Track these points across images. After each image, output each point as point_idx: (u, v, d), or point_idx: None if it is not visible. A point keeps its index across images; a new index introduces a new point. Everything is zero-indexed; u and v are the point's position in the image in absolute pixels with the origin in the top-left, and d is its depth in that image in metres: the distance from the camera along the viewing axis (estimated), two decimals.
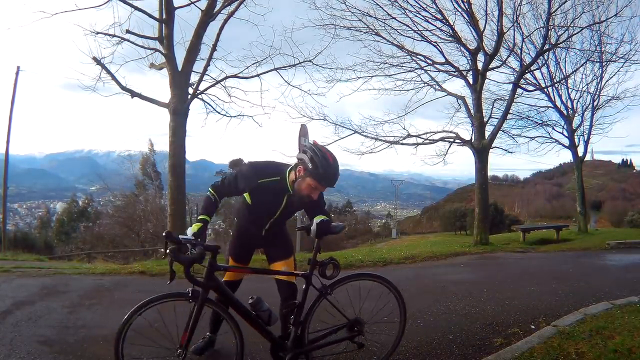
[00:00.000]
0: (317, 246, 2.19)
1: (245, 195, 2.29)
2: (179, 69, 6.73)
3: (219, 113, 7.75)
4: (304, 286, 2.17)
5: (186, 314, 1.98)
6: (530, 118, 13.51)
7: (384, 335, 2.55)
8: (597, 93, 12.99)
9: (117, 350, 1.88)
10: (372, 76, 10.11)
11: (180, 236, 1.90)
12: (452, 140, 10.30)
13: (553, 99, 13.14)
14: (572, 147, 13.55)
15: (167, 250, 1.86)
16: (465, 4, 8.96)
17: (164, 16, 6.57)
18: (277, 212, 2.28)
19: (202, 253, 1.86)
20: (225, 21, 6.95)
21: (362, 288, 2.38)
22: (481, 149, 9.63)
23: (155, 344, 2.03)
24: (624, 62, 11.68)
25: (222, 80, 7.37)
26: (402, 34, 9.45)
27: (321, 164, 1.99)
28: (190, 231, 2.01)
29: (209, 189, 2.22)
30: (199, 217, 2.14)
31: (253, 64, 7.42)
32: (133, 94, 6.82)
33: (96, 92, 6.92)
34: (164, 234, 1.90)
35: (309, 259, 2.18)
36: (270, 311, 2.16)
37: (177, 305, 1.97)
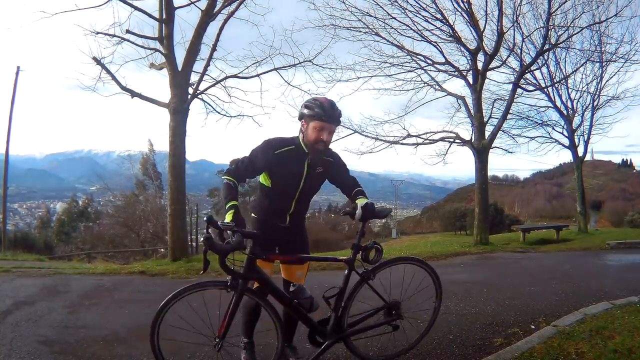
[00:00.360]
0: (361, 231, 2.17)
1: (263, 179, 2.21)
2: (179, 69, 6.72)
3: (219, 113, 7.74)
4: (345, 271, 2.18)
5: (215, 303, 1.98)
6: (530, 118, 13.53)
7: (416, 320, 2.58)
8: (597, 93, 13.00)
9: (154, 343, 1.85)
10: (372, 76, 10.12)
11: (219, 222, 1.82)
12: (452, 140, 10.30)
13: (553, 99, 13.14)
14: (572, 147, 13.55)
15: (202, 239, 1.78)
16: (465, 4, 8.96)
17: (164, 16, 6.56)
18: (300, 184, 2.16)
19: (240, 241, 1.77)
20: (225, 21, 6.95)
21: (399, 272, 2.41)
22: (481, 149, 9.63)
23: (194, 331, 1.99)
24: (624, 62, 11.70)
25: (222, 80, 7.36)
26: (402, 34, 9.46)
27: (315, 104, 2.04)
28: (227, 219, 1.90)
29: (224, 177, 2.09)
30: (228, 205, 1.97)
31: (253, 64, 7.42)
32: (133, 94, 6.82)
33: (96, 92, 6.92)
34: (205, 219, 1.82)
35: (352, 244, 2.16)
36: (312, 298, 2.15)
37: (205, 294, 1.93)
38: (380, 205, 2.20)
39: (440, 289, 2.48)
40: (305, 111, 2.06)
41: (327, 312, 2.26)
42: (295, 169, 2.14)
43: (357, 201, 2.16)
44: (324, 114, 2.02)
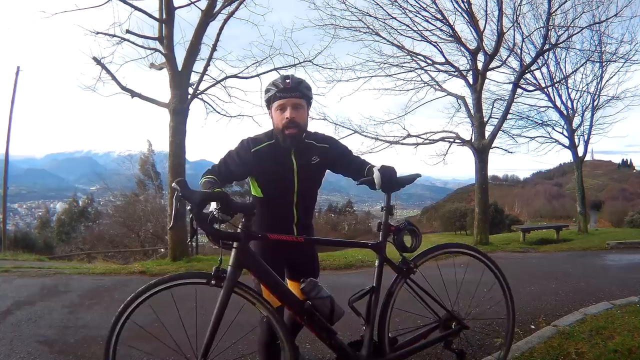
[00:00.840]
0: (387, 204, 1.62)
1: (254, 190, 1.81)
2: (179, 69, 6.72)
3: (219, 113, 7.76)
4: (376, 262, 1.60)
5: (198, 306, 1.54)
6: (530, 118, 13.53)
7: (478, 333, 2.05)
8: (597, 93, 13.00)
9: (108, 349, 1.40)
10: (372, 76, 10.15)
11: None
12: (452, 140, 10.31)
13: (553, 99, 13.15)
14: (572, 147, 13.55)
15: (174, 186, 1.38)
16: (465, 4, 8.97)
17: (164, 16, 6.56)
18: (294, 184, 1.74)
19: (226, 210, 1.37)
20: (225, 21, 6.95)
21: (446, 266, 1.95)
22: (481, 149, 9.63)
23: (164, 346, 1.56)
24: (624, 62, 11.71)
25: (222, 80, 7.37)
26: (402, 34, 9.48)
27: (268, 85, 1.74)
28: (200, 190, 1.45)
29: (204, 176, 1.69)
30: (203, 179, 1.66)
31: (253, 64, 7.44)
32: (133, 94, 6.82)
33: (96, 92, 6.94)
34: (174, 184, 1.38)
35: (378, 223, 1.64)
36: (332, 299, 1.55)
37: (180, 292, 1.50)
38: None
39: (508, 286, 1.97)
40: (264, 97, 1.76)
41: (354, 327, 1.71)
42: (283, 166, 1.74)
43: (369, 168, 1.74)
44: (276, 88, 1.69)
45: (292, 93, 1.68)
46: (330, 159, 1.86)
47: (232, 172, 1.75)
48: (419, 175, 1.75)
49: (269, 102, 1.75)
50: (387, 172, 1.63)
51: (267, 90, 1.74)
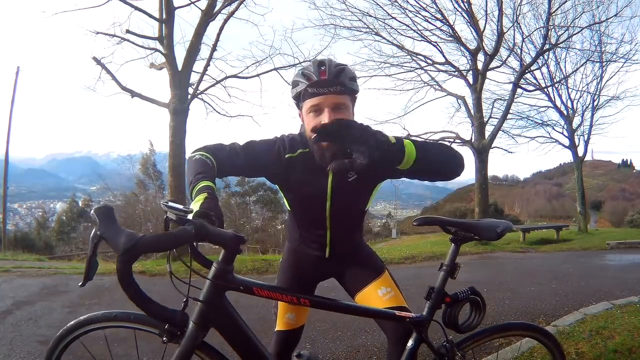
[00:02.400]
0: (450, 261, 1.20)
1: (283, 196, 1.41)
2: (179, 69, 6.73)
3: (219, 113, 7.77)
4: (410, 343, 1.17)
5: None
6: (531, 118, 13.56)
7: None
8: (597, 93, 13.03)
9: None
10: (372, 76, 10.14)
11: (174, 205, 0.91)
12: (452, 140, 10.30)
13: (553, 99, 13.17)
14: (572, 147, 13.57)
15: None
16: (465, 4, 8.97)
17: (163, 16, 6.57)
18: (326, 206, 1.31)
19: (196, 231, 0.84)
20: (225, 21, 6.96)
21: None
22: (481, 149, 9.64)
23: None
24: (624, 62, 11.73)
25: (222, 80, 7.38)
26: (402, 34, 9.48)
27: (299, 74, 1.22)
28: (193, 207, 0.93)
29: (197, 151, 1.19)
30: (199, 184, 1.04)
31: (253, 64, 7.45)
32: (133, 94, 6.83)
33: (96, 92, 6.95)
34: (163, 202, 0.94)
35: (428, 289, 1.19)
36: None
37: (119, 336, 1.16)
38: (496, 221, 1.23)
39: None
40: (291, 92, 1.26)
41: None
42: (315, 183, 1.29)
43: None
44: (307, 81, 1.18)
45: (330, 87, 1.17)
46: (374, 174, 1.31)
47: (239, 168, 1.25)
48: (510, 226, 1.27)
49: (298, 100, 1.24)
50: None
51: (294, 83, 1.23)
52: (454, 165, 1.15)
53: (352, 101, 1.25)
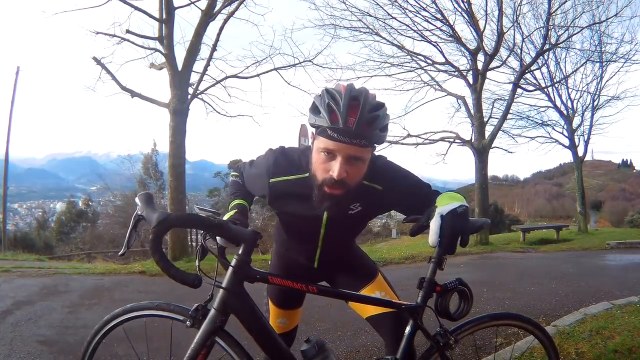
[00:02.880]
0: (438, 255, 1.13)
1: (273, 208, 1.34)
2: (179, 69, 6.73)
3: (219, 113, 7.77)
4: (407, 329, 1.20)
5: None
6: (531, 118, 13.56)
7: None
8: (597, 93, 13.02)
9: None
10: (372, 76, 10.14)
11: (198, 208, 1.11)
12: (452, 140, 10.31)
13: (553, 99, 13.16)
14: (572, 147, 13.57)
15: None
16: (465, 4, 8.98)
17: (163, 16, 6.57)
18: (320, 233, 1.25)
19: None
20: (225, 21, 6.96)
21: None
22: (481, 149, 9.63)
23: None
24: (624, 62, 11.73)
25: (222, 80, 7.38)
26: (402, 34, 9.48)
27: (321, 101, 1.02)
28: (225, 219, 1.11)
29: (232, 174, 1.38)
30: (233, 203, 1.24)
31: (253, 64, 7.46)
32: (133, 94, 6.83)
33: (96, 92, 6.95)
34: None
35: (420, 280, 1.20)
36: None
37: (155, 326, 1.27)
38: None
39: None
40: (310, 117, 1.06)
41: None
42: (308, 212, 1.18)
43: (436, 207, 1.07)
44: (329, 122, 0.99)
45: (353, 139, 0.99)
46: (382, 206, 1.24)
47: (247, 188, 1.32)
48: (488, 222, 1.25)
49: (315, 130, 1.07)
50: (455, 226, 1.01)
51: (315, 109, 1.04)
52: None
53: (372, 150, 1.09)
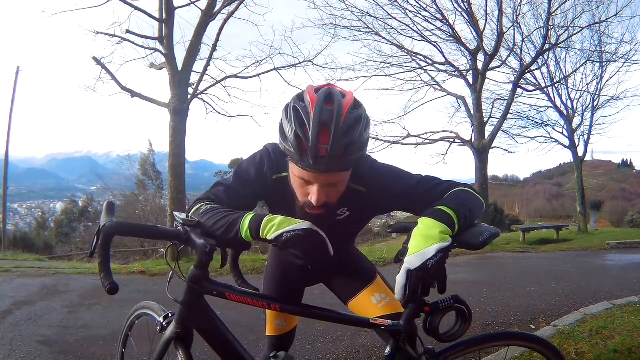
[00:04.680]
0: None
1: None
2: (179, 69, 6.73)
3: (219, 113, 7.77)
4: (387, 350, 1.09)
5: None
6: (531, 118, 13.57)
7: None
8: (597, 93, 13.03)
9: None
10: (372, 76, 10.18)
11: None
12: (452, 140, 10.32)
13: (553, 99, 13.16)
14: (572, 147, 13.57)
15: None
16: (465, 4, 8.99)
17: (163, 16, 6.57)
18: None
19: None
20: (225, 21, 6.96)
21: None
22: (481, 149, 9.64)
23: None
24: (624, 62, 11.74)
25: (222, 80, 7.39)
26: (402, 34, 9.51)
27: (289, 127, 0.91)
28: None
29: (200, 205, 1.04)
30: (248, 218, 0.97)
31: (253, 64, 7.46)
32: (133, 94, 6.83)
33: (96, 92, 6.95)
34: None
35: (405, 296, 0.94)
36: None
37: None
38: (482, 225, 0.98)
39: None
40: (280, 142, 0.96)
41: None
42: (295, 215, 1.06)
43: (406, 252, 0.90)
44: (295, 152, 0.90)
45: (327, 167, 0.90)
46: (371, 209, 1.15)
47: (247, 202, 1.11)
48: (497, 233, 0.99)
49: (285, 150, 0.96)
50: (426, 281, 0.86)
51: (282, 133, 0.94)
52: (480, 214, 1.02)
53: (352, 169, 0.99)
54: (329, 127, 0.86)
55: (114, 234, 0.92)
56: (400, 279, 0.86)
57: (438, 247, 0.85)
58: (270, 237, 0.88)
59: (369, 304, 1.26)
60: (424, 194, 1.04)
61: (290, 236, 0.87)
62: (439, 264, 0.85)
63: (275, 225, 0.88)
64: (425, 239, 0.86)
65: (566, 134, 13.56)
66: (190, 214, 1.02)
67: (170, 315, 1.08)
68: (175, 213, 1.00)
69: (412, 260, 0.85)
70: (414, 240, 0.89)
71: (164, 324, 1.07)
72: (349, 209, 1.12)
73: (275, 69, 7.53)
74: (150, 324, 1.19)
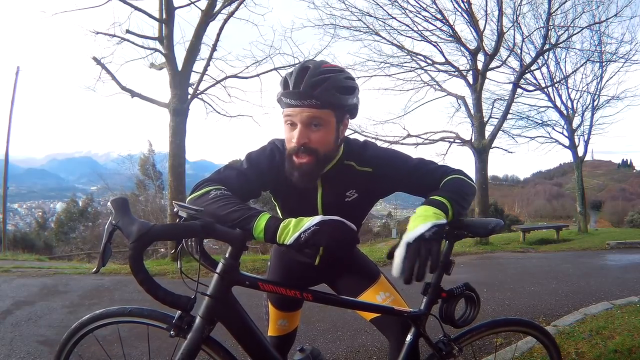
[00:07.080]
0: (446, 255, 1.11)
1: (274, 199, 1.28)
2: (179, 69, 6.73)
3: (219, 113, 7.77)
4: (408, 337, 1.15)
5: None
6: (531, 118, 13.56)
7: None
8: (597, 93, 13.02)
9: None
10: (372, 76, 10.16)
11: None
12: (452, 140, 10.31)
13: (553, 99, 13.16)
14: (572, 147, 13.57)
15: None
16: (465, 4, 8.98)
17: (163, 16, 6.57)
18: (318, 214, 1.19)
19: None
20: (225, 21, 6.96)
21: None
22: (481, 149, 9.63)
23: None
24: (624, 62, 11.73)
25: (222, 80, 7.38)
26: (402, 34, 9.49)
27: (286, 74, 1.06)
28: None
29: (205, 187, 1.03)
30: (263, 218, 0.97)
31: (253, 63, 7.46)
32: (133, 94, 6.83)
33: (96, 92, 6.95)
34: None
35: (425, 285, 1.13)
36: None
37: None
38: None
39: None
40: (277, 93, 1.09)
41: None
42: (307, 198, 1.18)
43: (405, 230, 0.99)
44: (286, 89, 1.03)
45: (304, 100, 1.00)
46: (378, 189, 1.21)
47: (254, 192, 1.14)
48: (500, 223, 1.13)
49: (279, 103, 1.10)
50: (422, 254, 0.89)
51: (280, 84, 1.09)
52: (472, 199, 1.13)
53: (337, 116, 1.06)
54: (307, 69, 1.02)
55: (151, 241, 0.85)
56: (399, 252, 0.90)
57: (433, 222, 0.93)
58: (288, 242, 0.89)
59: (374, 302, 1.29)
60: (423, 175, 1.15)
61: (308, 234, 0.88)
62: (435, 236, 0.91)
63: (291, 229, 0.90)
64: (422, 219, 0.95)
65: (566, 134, 13.57)
66: (196, 194, 1.02)
67: (186, 314, 0.95)
68: (178, 203, 0.94)
69: (409, 235, 0.91)
70: (411, 223, 0.96)
71: (181, 325, 0.94)
72: (357, 191, 1.18)
73: (275, 69, 7.53)
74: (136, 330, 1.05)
